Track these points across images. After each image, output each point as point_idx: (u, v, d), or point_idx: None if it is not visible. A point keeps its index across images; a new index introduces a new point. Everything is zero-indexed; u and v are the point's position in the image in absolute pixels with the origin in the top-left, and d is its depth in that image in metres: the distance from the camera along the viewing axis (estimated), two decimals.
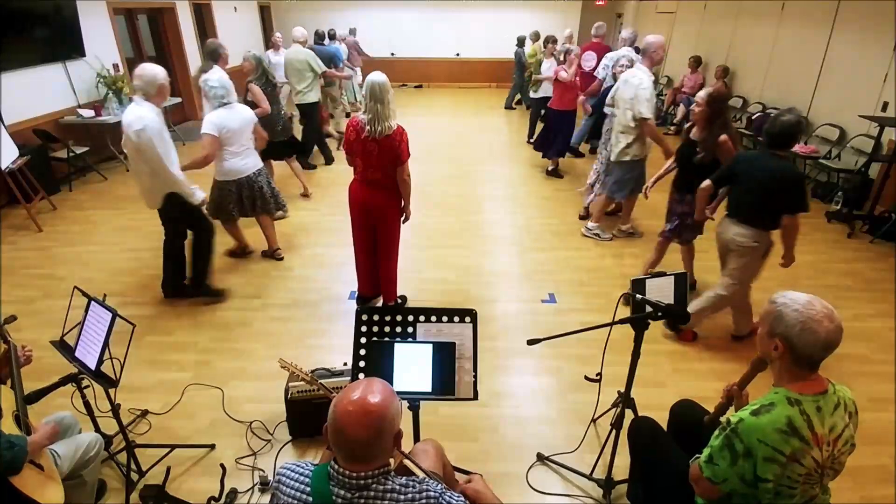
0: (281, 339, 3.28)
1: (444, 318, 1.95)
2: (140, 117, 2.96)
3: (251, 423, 2.60)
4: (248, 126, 3.75)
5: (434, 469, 1.61)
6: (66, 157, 5.75)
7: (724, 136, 3.16)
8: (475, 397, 1.88)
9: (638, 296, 1.94)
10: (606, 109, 4.65)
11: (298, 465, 1.27)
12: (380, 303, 3.56)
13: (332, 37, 8.87)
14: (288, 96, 6.85)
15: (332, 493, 1.17)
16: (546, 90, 6.89)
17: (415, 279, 3.93)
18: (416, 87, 13.45)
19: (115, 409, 2.13)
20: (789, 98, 6.77)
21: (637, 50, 4.85)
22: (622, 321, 1.87)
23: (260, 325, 3.43)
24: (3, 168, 4.58)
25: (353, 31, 10.22)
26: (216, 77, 3.72)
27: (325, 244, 4.58)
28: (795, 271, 4.02)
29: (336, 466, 1.18)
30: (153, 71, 3.07)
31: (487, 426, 2.62)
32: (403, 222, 3.32)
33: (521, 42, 9.67)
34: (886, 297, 3.80)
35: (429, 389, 1.84)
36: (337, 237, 4.56)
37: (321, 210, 5.36)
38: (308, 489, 1.20)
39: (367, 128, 2.93)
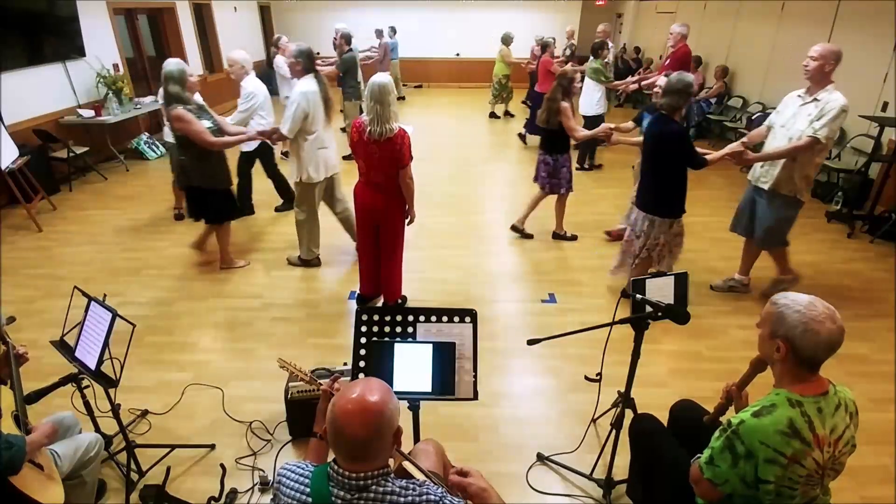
0: (281, 339, 3.28)
1: (444, 318, 1.94)
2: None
3: (251, 423, 2.59)
4: None
5: (434, 469, 1.60)
6: (66, 157, 5.75)
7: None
8: (475, 397, 1.88)
9: (638, 296, 1.94)
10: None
11: (299, 466, 1.27)
12: (380, 303, 3.56)
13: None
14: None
15: (331, 493, 1.17)
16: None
17: (415, 279, 3.92)
18: (416, 86, 13.44)
19: (115, 409, 2.13)
20: None
21: None
22: (622, 321, 1.86)
23: (260, 325, 3.42)
24: (3, 168, 4.57)
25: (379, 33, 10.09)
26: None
27: (325, 244, 4.56)
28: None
29: (336, 467, 1.18)
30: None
31: (487, 426, 2.62)
32: (408, 224, 3.32)
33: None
34: (886, 297, 3.80)
35: (429, 389, 1.84)
36: (337, 237, 4.55)
37: (322, 210, 5.35)
38: (308, 490, 1.20)
39: (368, 129, 2.93)
